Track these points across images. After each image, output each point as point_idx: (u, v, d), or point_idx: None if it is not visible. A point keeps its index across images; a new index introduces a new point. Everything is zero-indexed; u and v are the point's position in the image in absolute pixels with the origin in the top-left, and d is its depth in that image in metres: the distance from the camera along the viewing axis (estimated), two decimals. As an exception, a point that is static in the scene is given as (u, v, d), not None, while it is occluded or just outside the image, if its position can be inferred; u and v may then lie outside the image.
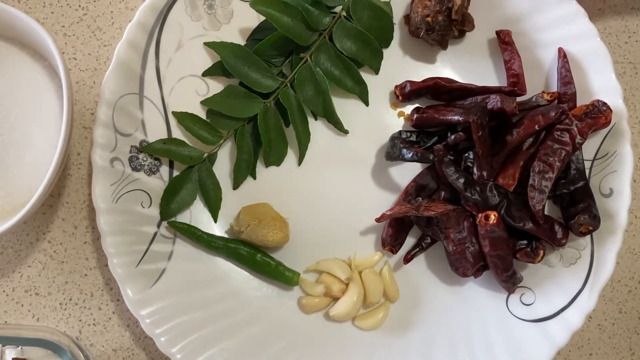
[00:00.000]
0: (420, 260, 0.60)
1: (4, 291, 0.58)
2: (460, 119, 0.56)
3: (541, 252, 0.56)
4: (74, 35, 0.61)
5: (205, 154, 0.59)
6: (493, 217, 0.54)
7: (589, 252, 0.57)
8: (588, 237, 0.58)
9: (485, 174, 0.56)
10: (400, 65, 0.61)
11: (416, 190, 0.59)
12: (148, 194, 0.57)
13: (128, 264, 0.55)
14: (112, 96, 0.56)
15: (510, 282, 0.57)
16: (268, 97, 0.59)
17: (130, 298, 0.54)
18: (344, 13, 0.59)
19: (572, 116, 0.57)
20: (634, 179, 0.62)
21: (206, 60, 0.59)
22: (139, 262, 0.55)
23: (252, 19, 0.59)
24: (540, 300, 0.58)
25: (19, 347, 0.49)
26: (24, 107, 0.54)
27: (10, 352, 0.48)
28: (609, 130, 0.58)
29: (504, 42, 0.60)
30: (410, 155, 0.56)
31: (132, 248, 0.56)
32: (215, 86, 0.60)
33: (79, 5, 0.62)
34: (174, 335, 0.55)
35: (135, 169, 0.57)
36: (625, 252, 0.62)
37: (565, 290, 0.57)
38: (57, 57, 0.51)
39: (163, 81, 0.58)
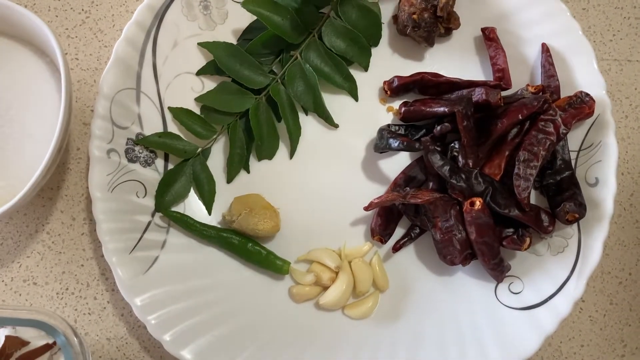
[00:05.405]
0: (409, 251, 0.60)
1: (2, 281, 0.60)
2: (446, 109, 0.58)
3: (527, 239, 0.56)
4: (76, 37, 0.64)
5: (200, 149, 0.60)
6: (478, 203, 0.55)
7: (577, 240, 0.58)
8: (575, 226, 0.58)
9: (470, 162, 0.57)
10: (389, 63, 0.63)
11: (405, 181, 0.60)
12: (143, 185, 0.59)
13: (122, 251, 0.56)
14: (110, 90, 0.58)
15: (498, 270, 0.57)
16: (260, 93, 0.61)
17: (124, 283, 0.56)
18: (332, 13, 0.61)
19: (555, 107, 0.58)
20: (621, 172, 0.64)
21: (201, 58, 0.62)
22: (133, 248, 0.57)
23: (247, 19, 0.62)
24: (528, 289, 0.58)
25: (14, 328, 0.50)
26: (25, 100, 0.57)
27: (3, 331, 0.49)
28: (594, 122, 0.59)
29: (489, 38, 0.62)
30: (397, 144, 0.58)
31: (126, 236, 0.57)
32: (210, 83, 0.62)
33: (82, 9, 0.65)
34: (166, 321, 0.56)
35: (131, 160, 0.59)
36: (614, 244, 0.62)
37: (553, 278, 0.57)
38: (57, 52, 0.53)
39: (159, 78, 0.61)
